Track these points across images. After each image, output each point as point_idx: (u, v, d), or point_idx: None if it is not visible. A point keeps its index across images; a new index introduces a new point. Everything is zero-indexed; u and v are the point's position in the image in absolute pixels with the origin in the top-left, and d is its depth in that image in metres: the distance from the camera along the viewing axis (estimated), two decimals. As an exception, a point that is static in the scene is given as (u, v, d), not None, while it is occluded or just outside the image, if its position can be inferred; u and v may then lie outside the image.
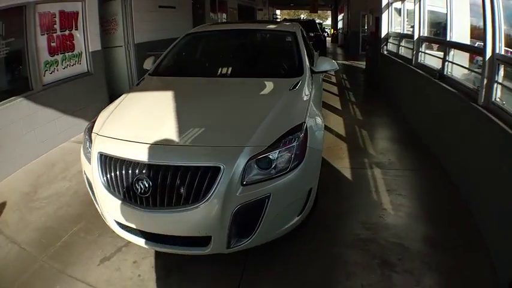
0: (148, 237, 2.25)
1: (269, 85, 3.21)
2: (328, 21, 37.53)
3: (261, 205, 2.08)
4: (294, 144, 2.23)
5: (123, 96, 3.05)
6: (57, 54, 5.12)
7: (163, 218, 2.10)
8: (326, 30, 27.34)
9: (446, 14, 4.52)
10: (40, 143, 4.61)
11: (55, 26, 5.01)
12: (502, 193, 2.46)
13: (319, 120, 2.85)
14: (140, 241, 2.27)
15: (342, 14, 23.16)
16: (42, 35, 4.80)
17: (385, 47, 8.46)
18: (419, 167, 3.98)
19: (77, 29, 5.45)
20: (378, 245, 2.63)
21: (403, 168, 3.95)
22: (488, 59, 2.98)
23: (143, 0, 7.41)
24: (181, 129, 2.33)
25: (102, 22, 6.35)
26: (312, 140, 2.44)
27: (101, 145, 2.32)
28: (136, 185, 2.08)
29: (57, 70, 5.14)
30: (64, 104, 5.07)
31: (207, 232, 2.09)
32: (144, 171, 2.08)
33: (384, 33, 8.44)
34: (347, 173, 3.87)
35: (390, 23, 8.15)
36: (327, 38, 26.14)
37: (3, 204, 3.34)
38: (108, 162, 2.22)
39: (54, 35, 5.03)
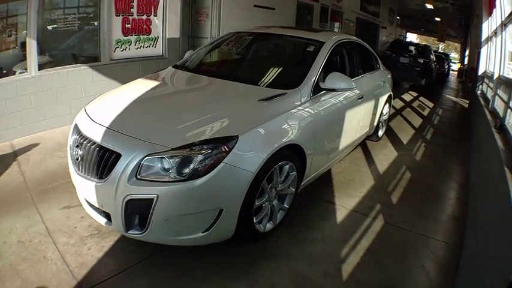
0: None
1: (246, 92, 2.94)
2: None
3: (148, 204, 2.03)
4: (202, 154, 2.10)
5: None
6: (131, 35, 5.33)
7: (85, 184, 2.25)
8: (451, 63, 24.41)
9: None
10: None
11: (132, 9, 5.20)
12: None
13: (276, 140, 2.47)
14: (81, 199, 2.49)
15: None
16: (117, 15, 5.05)
17: (480, 86, 7.10)
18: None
19: (155, 15, 5.60)
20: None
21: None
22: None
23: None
24: (126, 117, 2.46)
25: (195, 13, 6.56)
26: (242, 159, 2.21)
27: (78, 117, 2.62)
28: (74, 151, 2.35)
29: (129, 49, 5.38)
30: (129, 79, 5.27)
31: (106, 208, 2.19)
32: (81, 141, 2.31)
33: (481, 71, 7.08)
34: (340, 215, 3.26)
35: (488, 60, 6.76)
36: (453, 70, 23.46)
37: (36, 145, 4.05)
38: (74, 130, 2.51)
39: (130, 17, 5.25)
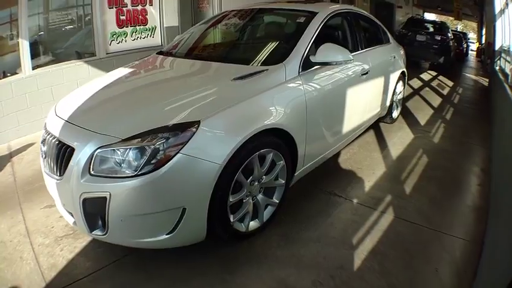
0: None
1: (220, 71, 2.55)
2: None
3: (102, 203, 1.71)
4: (155, 144, 1.72)
5: None
6: (127, 27, 4.99)
7: (50, 181, 2.01)
8: (470, 43, 22.84)
9: None
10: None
11: (125, 1, 4.87)
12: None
13: (250, 124, 1.98)
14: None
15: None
16: (110, 8, 4.75)
17: (498, 61, 6.29)
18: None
19: (151, 5, 5.21)
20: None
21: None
22: None
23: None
24: (87, 109, 2.14)
25: (197, 0, 6.33)
26: (205, 148, 1.79)
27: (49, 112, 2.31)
28: (41, 147, 2.11)
29: (125, 41, 5.08)
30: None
31: (68, 208, 1.93)
32: (46, 136, 2.06)
33: (497, 46, 6.28)
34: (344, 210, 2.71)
35: (503, 34, 5.96)
36: (471, 51, 22.08)
37: (32, 144, 3.81)
38: (44, 126, 2.22)
39: (124, 9, 4.92)
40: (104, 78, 2.66)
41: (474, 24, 30.88)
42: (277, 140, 2.17)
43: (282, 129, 2.17)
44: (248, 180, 2.08)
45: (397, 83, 4.39)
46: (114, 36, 4.93)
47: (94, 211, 1.78)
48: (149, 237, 1.84)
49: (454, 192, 3.11)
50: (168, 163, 1.72)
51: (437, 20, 11.25)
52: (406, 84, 5.03)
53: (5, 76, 3.93)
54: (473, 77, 11.38)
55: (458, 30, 26.03)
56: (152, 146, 1.71)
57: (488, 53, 8.81)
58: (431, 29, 10.82)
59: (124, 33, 5.04)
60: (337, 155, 3.52)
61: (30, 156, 3.55)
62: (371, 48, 3.67)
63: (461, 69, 13.22)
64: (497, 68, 6.67)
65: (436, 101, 6.66)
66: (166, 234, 1.83)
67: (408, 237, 2.40)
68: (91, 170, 1.74)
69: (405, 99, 5.05)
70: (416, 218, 2.61)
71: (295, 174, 2.49)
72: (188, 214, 1.80)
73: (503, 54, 6.47)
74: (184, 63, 2.85)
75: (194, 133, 1.78)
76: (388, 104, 4.26)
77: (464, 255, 2.25)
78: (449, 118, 5.55)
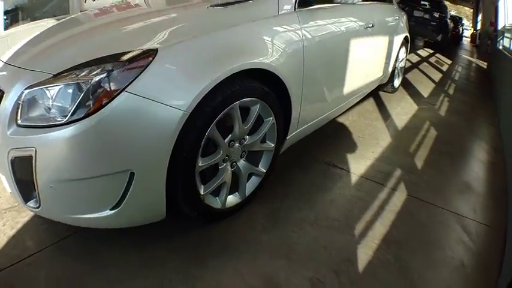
0: None
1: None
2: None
3: (29, 163, 1.19)
4: (93, 79, 1.17)
5: None
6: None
7: None
8: (466, 28, 22.45)
9: None
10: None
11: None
12: None
13: (229, 59, 1.40)
14: None
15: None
16: None
17: (501, 41, 5.91)
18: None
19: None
20: None
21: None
22: None
23: None
24: (30, 47, 1.58)
25: None
26: (163, 87, 1.22)
27: None
28: None
29: None
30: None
31: (2, 170, 1.35)
32: None
33: (500, 25, 5.90)
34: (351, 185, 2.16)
35: (507, 13, 5.56)
36: (464, 37, 21.74)
37: None
38: None
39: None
40: (65, 21, 2.05)
41: (468, 12, 30.37)
42: (266, 88, 1.58)
43: (272, 72, 1.58)
44: (226, 140, 1.50)
45: (400, 47, 3.88)
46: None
47: (24, 175, 1.26)
48: (88, 212, 1.28)
49: (468, 169, 2.66)
50: (108, 105, 1.14)
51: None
52: (408, 52, 4.47)
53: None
54: (471, 58, 10.97)
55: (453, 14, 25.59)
56: (89, 82, 1.16)
57: (486, 35, 8.41)
58: (429, 6, 10.21)
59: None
60: (334, 121, 2.97)
61: None
62: (376, 3, 3.17)
63: (457, 51, 12.79)
64: (501, 47, 6.36)
65: (437, 75, 6.20)
66: (111, 210, 1.26)
67: (425, 221, 1.88)
68: (18, 118, 1.23)
69: (404, 72, 4.56)
70: (431, 197, 2.10)
71: (288, 137, 1.92)
72: (138, 181, 1.23)
73: (506, 34, 6.17)
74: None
75: (148, 65, 1.19)
76: (390, 69, 3.73)
77: (489, 244, 1.78)
78: (452, 93, 5.13)
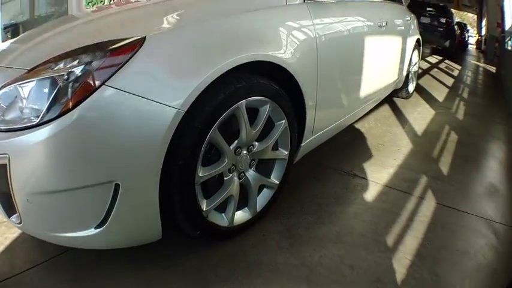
0: None
1: None
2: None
3: (4, 171, 0.99)
4: (67, 71, 0.98)
5: None
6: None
7: None
8: (470, 35, 22.34)
9: None
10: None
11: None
12: None
13: (233, 49, 1.22)
14: None
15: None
16: None
17: (509, 42, 5.72)
18: None
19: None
20: None
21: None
22: None
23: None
24: (16, 46, 1.46)
25: None
26: (153, 81, 1.02)
27: None
28: None
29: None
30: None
31: None
32: None
33: (508, 26, 5.71)
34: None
35: None
36: (470, 44, 21.59)
37: None
38: None
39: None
40: (59, 19, 1.93)
41: (471, 19, 30.24)
42: (276, 87, 1.37)
43: (284, 70, 1.37)
44: (232, 147, 1.27)
45: (413, 51, 3.70)
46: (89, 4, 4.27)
47: (2, 187, 1.07)
48: (71, 230, 1.07)
49: (491, 171, 2.42)
50: (85, 102, 0.95)
51: (439, 3, 10.51)
52: (421, 56, 4.27)
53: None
54: (478, 63, 10.74)
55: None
56: (64, 76, 0.98)
57: (493, 39, 8.23)
58: (435, 12, 10.07)
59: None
60: (350, 128, 2.75)
61: None
62: (387, 2, 2.96)
63: (465, 56, 12.55)
64: (510, 48, 6.14)
65: (449, 80, 6.00)
66: (95, 228, 1.05)
67: (459, 231, 1.64)
68: None
69: (417, 78, 4.37)
70: (462, 204, 1.86)
71: (302, 144, 1.69)
72: (125, 194, 1.01)
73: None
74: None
75: (134, 55, 0.99)
76: (405, 72, 3.53)
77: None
78: (466, 97, 4.92)
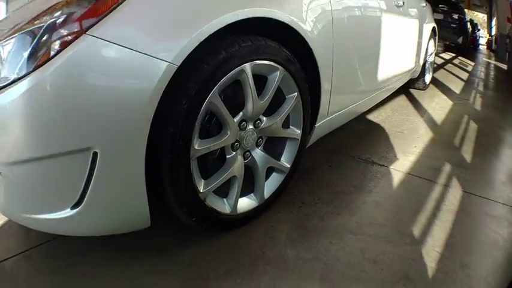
0: None
1: None
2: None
3: None
4: (46, 23, 0.82)
5: None
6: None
7: None
8: (481, 35, 22.11)
9: None
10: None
11: None
12: None
13: (233, 4, 0.94)
14: None
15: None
16: None
17: None
18: None
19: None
20: None
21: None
22: None
23: None
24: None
25: None
26: (141, 30, 0.83)
27: None
28: None
29: None
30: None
31: None
32: None
33: None
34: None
35: None
36: (481, 44, 21.35)
37: None
38: None
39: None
40: None
41: (481, 19, 29.80)
42: (288, 52, 1.17)
43: (295, 30, 1.17)
44: (236, 119, 1.07)
45: (429, 39, 3.51)
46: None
47: None
48: (45, 211, 0.88)
49: None
50: (62, 53, 0.77)
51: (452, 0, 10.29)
52: (436, 46, 4.07)
53: None
54: (490, 61, 10.51)
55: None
56: (44, 26, 0.81)
57: (503, 36, 8.02)
58: (447, 8, 9.81)
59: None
60: (366, 117, 2.56)
61: None
62: None
63: (477, 54, 12.32)
64: None
65: (463, 75, 5.85)
66: (72, 208, 0.86)
67: (486, 219, 1.45)
68: None
69: (433, 69, 4.22)
70: (490, 192, 1.67)
71: (316, 125, 1.49)
72: (104, 166, 0.83)
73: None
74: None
75: (121, 2, 0.79)
76: (421, 61, 3.33)
77: None
78: (482, 90, 4.76)
